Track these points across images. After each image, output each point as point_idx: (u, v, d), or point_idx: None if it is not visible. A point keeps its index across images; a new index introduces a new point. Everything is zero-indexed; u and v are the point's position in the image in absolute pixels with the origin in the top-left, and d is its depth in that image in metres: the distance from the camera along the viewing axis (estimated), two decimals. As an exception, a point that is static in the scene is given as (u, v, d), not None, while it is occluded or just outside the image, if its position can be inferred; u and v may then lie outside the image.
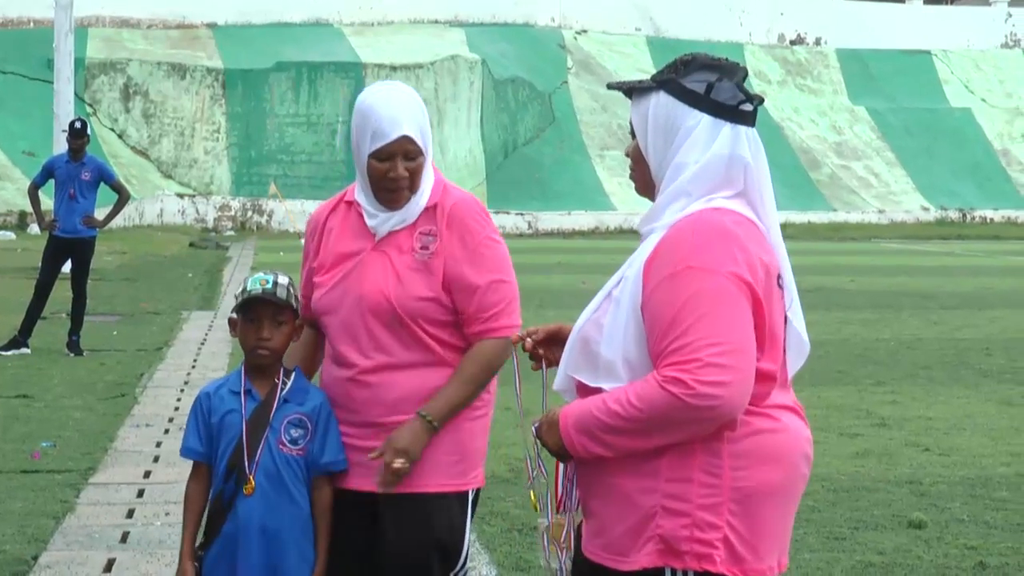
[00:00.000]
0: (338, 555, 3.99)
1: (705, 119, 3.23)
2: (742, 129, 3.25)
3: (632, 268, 3.22)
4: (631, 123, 3.34)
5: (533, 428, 3.33)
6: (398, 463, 3.85)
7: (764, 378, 3.17)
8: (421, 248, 3.95)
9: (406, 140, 3.91)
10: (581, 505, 3.35)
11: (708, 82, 3.24)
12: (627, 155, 3.38)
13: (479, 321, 3.94)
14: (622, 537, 3.20)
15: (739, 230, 3.17)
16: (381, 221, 3.99)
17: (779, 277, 3.24)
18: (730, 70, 3.27)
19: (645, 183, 3.34)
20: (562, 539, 3.40)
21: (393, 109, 3.92)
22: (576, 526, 3.41)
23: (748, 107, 3.26)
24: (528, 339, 3.56)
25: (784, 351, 3.28)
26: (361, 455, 3.95)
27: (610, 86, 3.48)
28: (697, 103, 3.23)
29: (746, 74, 3.32)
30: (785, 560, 3.27)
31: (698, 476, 3.14)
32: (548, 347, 3.55)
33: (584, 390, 3.27)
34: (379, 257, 3.98)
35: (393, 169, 3.92)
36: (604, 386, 3.20)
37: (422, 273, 3.93)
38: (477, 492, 4.06)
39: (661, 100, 3.26)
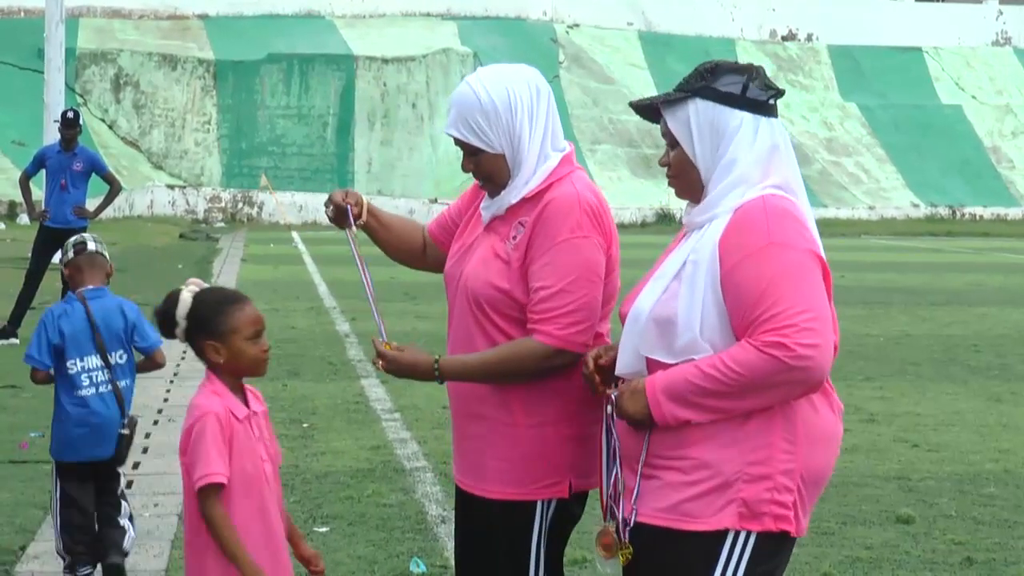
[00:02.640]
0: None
1: (746, 117, 3.52)
2: (774, 121, 3.57)
3: (701, 251, 3.45)
4: (668, 134, 3.54)
5: (612, 396, 3.48)
6: (379, 359, 3.90)
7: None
8: (512, 237, 3.87)
9: (455, 138, 3.91)
10: (642, 474, 3.48)
11: (741, 83, 3.51)
12: (663, 165, 3.59)
13: (531, 317, 3.80)
14: (694, 500, 3.41)
15: (799, 213, 3.48)
16: (485, 207, 3.98)
17: None
18: (750, 70, 3.54)
19: (691, 186, 3.56)
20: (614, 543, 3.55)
21: (452, 103, 3.94)
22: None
23: (774, 101, 3.56)
24: (591, 362, 3.68)
25: None
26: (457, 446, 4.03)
27: (632, 105, 3.62)
28: (736, 104, 3.51)
29: (764, 71, 3.59)
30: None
31: (779, 443, 3.40)
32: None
33: (656, 368, 3.44)
34: (484, 240, 3.95)
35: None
36: (691, 360, 3.39)
37: (504, 262, 3.85)
38: (551, 503, 3.88)
39: (700, 107, 3.53)
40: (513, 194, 3.88)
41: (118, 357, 6.13)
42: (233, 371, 3.94)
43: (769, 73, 3.64)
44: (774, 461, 3.39)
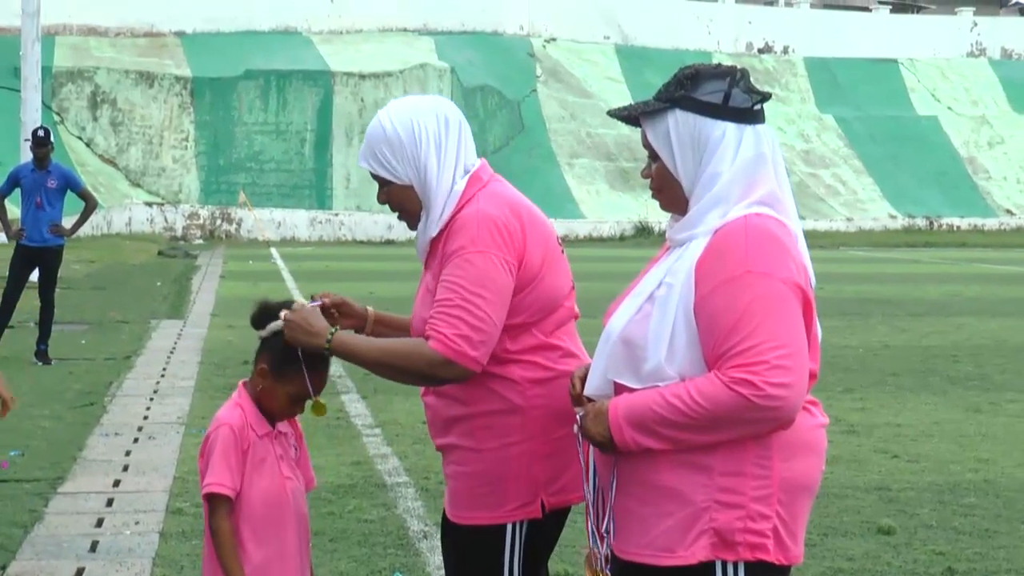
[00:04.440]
0: None
1: (729, 127, 3.32)
2: (760, 128, 3.36)
3: (677, 274, 3.28)
4: (648, 146, 3.38)
5: (579, 416, 3.36)
6: (282, 314, 3.85)
7: (810, 377, 3.30)
8: (434, 269, 3.89)
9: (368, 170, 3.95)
10: (614, 505, 3.36)
11: (723, 91, 3.33)
12: (646, 177, 3.43)
13: (426, 328, 3.78)
14: (667, 533, 3.26)
15: (784, 236, 3.28)
16: (417, 246, 3.98)
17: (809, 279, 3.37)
18: (733, 74, 3.37)
19: (674, 200, 3.39)
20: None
21: (365, 135, 3.97)
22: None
23: (759, 107, 3.38)
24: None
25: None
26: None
27: (611, 113, 3.49)
28: (718, 114, 3.32)
29: (747, 75, 3.40)
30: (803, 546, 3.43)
31: (750, 469, 3.24)
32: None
33: (623, 391, 3.31)
34: (423, 279, 3.96)
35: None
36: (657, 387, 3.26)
37: (431, 294, 3.86)
38: (523, 524, 3.87)
39: (680, 118, 3.33)
40: (432, 228, 3.88)
41: None
42: (259, 402, 3.94)
43: (746, 85, 3.50)
44: (745, 488, 3.23)
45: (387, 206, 3.98)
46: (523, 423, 3.82)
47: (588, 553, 3.49)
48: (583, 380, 3.47)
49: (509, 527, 3.86)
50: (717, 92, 3.32)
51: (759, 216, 3.27)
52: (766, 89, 3.36)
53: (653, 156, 3.39)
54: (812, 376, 3.30)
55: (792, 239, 3.31)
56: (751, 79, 3.42)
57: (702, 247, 3.27)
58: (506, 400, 3.82)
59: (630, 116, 3.42)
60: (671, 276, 3.30)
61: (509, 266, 3.77)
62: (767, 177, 3.33)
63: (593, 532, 3.45)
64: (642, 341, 3.27)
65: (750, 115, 3.34)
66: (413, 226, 3.95)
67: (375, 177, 3.93)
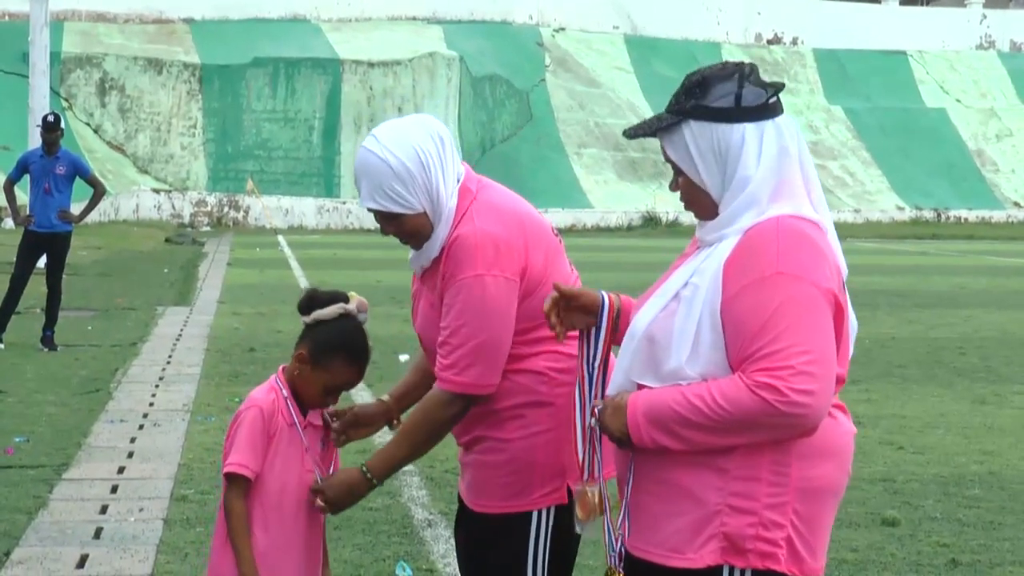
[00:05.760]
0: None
1: (748, 128, 3.23)
2: (779, 121, 3.27)
3: (704, 274, 3.20)
4: (670, 161, 3.31)
5: (595, 411, 3.34)
6: (319, 505, 3.90)
7: (836, 382, 3.21)
8: (436, 285, 3.87)
9: (372, 210, 3.87)
10: (629, 500, 3.33)
11: (734, 93, 3.24)
12: (674, 191, 3.35)
13: (437, 365, 3.82)
14: (677, 533, 3.21)
15: (817, 237, 3.20)
16: (413, 260, 3.94)
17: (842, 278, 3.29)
18: (741, 72, 3.28)
19: (705, 209, 3.30)
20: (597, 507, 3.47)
21: (358, 176, 3.86)
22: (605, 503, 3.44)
23: (773, 99, 3.29)
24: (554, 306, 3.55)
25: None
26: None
27: (627, 133, 3.42)
28: (733, 117, 3.23)
29: (756, 69, 3.33)
30: (825, 560, 3.32)
31: (766, 475, 3.15)
32: (565, 311, 3.55)
33: (643, 387, 3.26)
34: (422, 292, 3.96)
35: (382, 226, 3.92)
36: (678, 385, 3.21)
37: (435, 310, 3.87)
38: (550, 512, 3.88)
39: (695, 129, 3.24)
40: (436, 244, 3.85)
41: None
42: (294, 388, 3.97)
43: (755, 77, 3.44)
44: (759, 495, 3.14)
45: (393, 236, 3.93)
46: (551, 412, 3.84)
47: (579, 490, 3.48)
48: (564, 297, 3.48)
49: (535, 514, 3.87)
50: (728, 95, 3.24)
51: (792, 216, 3.20)
52: (775, 79, 3.23)
53: (677, 170, 3.31)
54: (839, 380, 3.22)
55: (824, 239, 3.24)
56: (759, 72, 3.35)
57: (731, 247, 3.19)
58: (535, 391, 3.84)
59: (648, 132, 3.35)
60: (698, 276, 3.22)
61: (510, 282, 3.77)
62: (794, 170, 3.26)
63: (593, 465, 3.47)
64: (665, 340, 3.21)
65: (766, 110, 3.26)
66: (420, 247, 3.89)
67: (379, 213, 3.84)
